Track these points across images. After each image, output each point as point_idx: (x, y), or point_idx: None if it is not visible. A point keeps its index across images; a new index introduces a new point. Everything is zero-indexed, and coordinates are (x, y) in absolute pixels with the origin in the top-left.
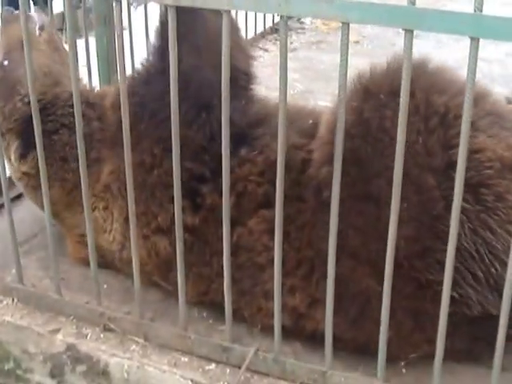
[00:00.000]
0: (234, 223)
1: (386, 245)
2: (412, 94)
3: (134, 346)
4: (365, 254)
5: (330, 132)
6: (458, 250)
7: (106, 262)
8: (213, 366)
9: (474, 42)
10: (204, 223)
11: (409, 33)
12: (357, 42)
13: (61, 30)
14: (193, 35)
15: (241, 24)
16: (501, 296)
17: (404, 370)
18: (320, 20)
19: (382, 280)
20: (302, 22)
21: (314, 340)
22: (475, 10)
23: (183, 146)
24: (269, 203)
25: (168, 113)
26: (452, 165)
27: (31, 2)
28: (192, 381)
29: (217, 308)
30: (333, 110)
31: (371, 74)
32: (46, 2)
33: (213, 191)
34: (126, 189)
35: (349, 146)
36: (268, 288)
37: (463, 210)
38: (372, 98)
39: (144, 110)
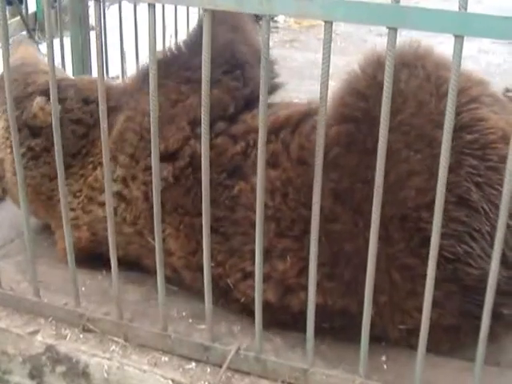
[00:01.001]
0: (238, 176)
1: (390, 201)
2: (423, 66)
3: (113, 347)
4: (367, 208)
5: (342, 95)
6: (466, 203)
7: None
8: (193, 365)
9: (459, 39)
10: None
11: (392, 31)
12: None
13: (34, 30)
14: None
15: None
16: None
17: (385, 366)
18: (293, 19)
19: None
20: (275, 21)
21: (295, 336)
22: (460, 8)
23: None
24: (276, 163)
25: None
26: (461, 127)
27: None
28: (173, 380)
29: (197, 307)
30: (344, 78)
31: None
32: (21, 1)
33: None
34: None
35: (363, 106)
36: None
37: (472, 165)
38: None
39: (176, 58)
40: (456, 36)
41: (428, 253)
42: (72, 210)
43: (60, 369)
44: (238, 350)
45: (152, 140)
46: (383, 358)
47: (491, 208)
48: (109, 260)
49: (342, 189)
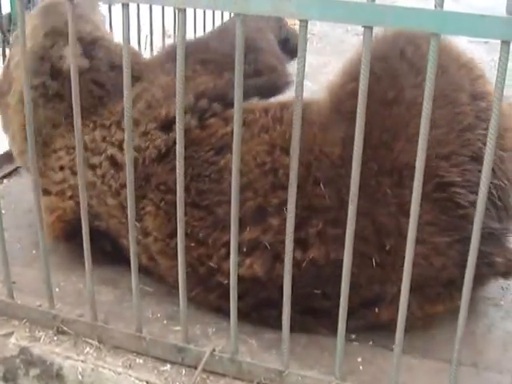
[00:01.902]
0: (225, 152)
1: (408, 149)
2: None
3: (87, 349)
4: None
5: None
6: (479, 159)
7: None
8: (168, 366)
9: (436, 37)
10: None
11: (368, 29)
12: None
13: (9, 31)
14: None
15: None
16: (501, 209)
17: (361, 367)
18: None
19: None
20: None
21: (270, 338)
22: (436, 6)
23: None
24: (268, 130)
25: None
26: (475, 96)
27: None
28: (147, 382)
29: (171, 308)
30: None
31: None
32: None
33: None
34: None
35: (383, 65)
36: (244, 212)
37: (484, 129)
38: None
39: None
40: (433, 34)
41: (439, 198)
42: (61, 168)
43: (34, 371)
44: (213, 352)
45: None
46: (359, 360)
47: (500, 166)
48: (95, 232)
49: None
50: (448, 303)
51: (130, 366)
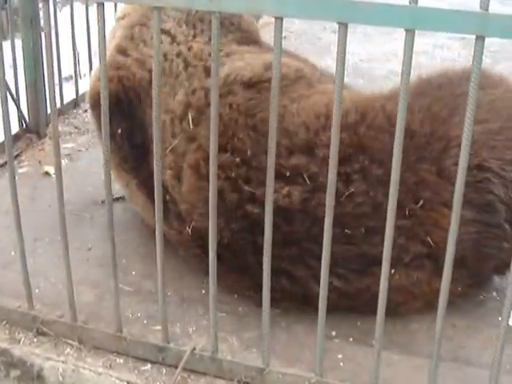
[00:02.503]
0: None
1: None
2: None
3: (68, 350)
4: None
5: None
6: None
7: None
8: (149, 366)
9: (410, 33)
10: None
11: (343, 26)
12: (284, 38)
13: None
14: None
15: None
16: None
17: (342, 364)
18: None
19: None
20: None
21: (251, 336)
22: (410, 2)
23: None
24: None
25: None
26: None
27: None
28: (128, 382)
29: (151, 307)
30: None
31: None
32: None
33: None
34: None
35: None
36: (294, 142)
37: None
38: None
39: None
40: (407, 30)
41: (476, 178)
42: None
43: (14, 373)
44: (194, 351)
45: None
46: (339, 356)
47: None
48: None
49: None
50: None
51: (110, 366)
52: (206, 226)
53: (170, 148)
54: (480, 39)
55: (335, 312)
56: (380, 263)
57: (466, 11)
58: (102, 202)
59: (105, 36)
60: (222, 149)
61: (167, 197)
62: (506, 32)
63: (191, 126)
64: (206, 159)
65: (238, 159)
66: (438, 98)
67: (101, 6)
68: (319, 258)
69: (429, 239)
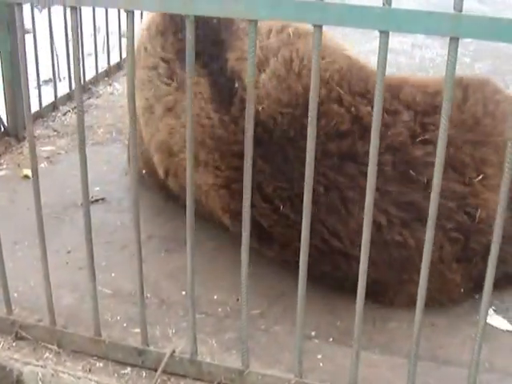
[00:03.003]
0: None
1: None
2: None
3: (47, 354)
4: None
5: None
6: None
7: None
8: (128, 369)
9: (384, 35)
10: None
11: (318, 28)
12: None
13: None
14: None
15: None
16: None
17: (321, 364)
18: None
19: None
20: None
21: (230, 338)
22: (384, 4)
23: None
24: None
25: None
26: None
27: None
28: None
29: (131, 310)
30: None
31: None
32: None
33: None
34: None
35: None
36: None
37: None
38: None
39: None
40: (381, 32)
41: None
42: None
43: None
44: (173, 353)
45: None
46: (319, 357)
47: None
48: None
49: None
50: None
51: (89, 370)
52: None
53: None
54: (454, 40)
55: (315, 312)
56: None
57: (439, 13)
58: (82, 204)
59: (78, 40)
60: None
61: None
62: (479, 33)
63: None
64: None
65: None
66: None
67: (74, 9)
68: None
69: (477, 213)
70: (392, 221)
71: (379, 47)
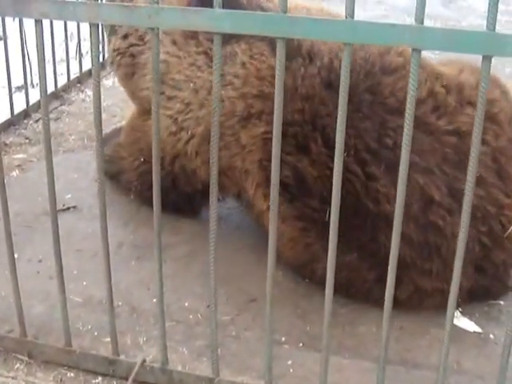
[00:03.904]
0: None
1: None
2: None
3: (18, 365)
4: None
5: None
6: None
7: None
8: (99, 379)
9: (348, 47)
10: None
11: (281, 41)
12: None
13: None
14: None
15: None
16: None
17: (291, 370)
18: None
19: None
20: None
21: (201, 346)
22: (346, 17)
23: None
24: None
25: None
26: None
27: None
28: None
29: (102, 319)
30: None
31: None
32: None
33: None
34: None
35: None
36: None
37: None
38: None
39: None
40: (345, 44)
41: None
42: None
43: None
44: (144, 362)
45: None
46: (289, 362)
47: None
48: None
49: None
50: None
51: (61, 380)
52: None
53: None
54: (416, 52)
55: (285, 317)
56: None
57: (402, 25)
58: None
59: (43, 51)
60: None
61: None
62: (440, 45)
63: None
64: None
65: None
66: None
67: (39, 22)
68: None
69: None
70: (441, 203)
71: (343, 60)
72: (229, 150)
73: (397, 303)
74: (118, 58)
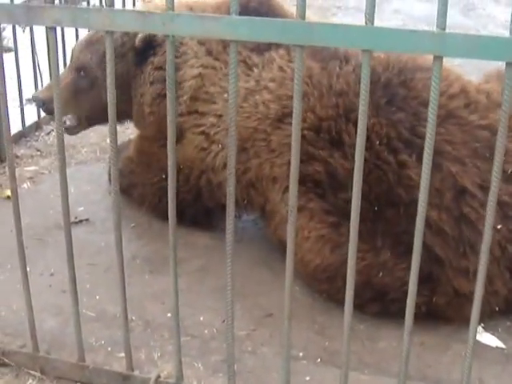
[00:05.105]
0: None
1: None
2: None
3: (30, 380)
4: None
5: None
6: None
7: None
8: None
9: (367, 54)
10: None
11: (299, 48)
12: None
13: None
14: None
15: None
16: None
17: None
18: None
19: None
20: None
21: (217, 361)
22: (366, 23)
23: None
24: None
25: None
26: None
27: None
28: None
29: (115, 334)
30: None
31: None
32: None
33: None
34: None
35: None
36: None
37: None
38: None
39: None
40: (364, 50)
41: None
42: None
43: None
44: (158, 378)
45: None
46: (307, 378)
47: None
48: None
49: None
50: None
51: None
52: None
53: None
54: (438, 59)
55: (302, 332)
56: None
57: (422, 31)
58: None
59: (57, 60)
60: None
61: None
62: (463, 52)
63: None
64: None
65: None
66: None
67: (52, 30)
68: None
69: None
70: (474, 194)
71: (363, 65)
72: (259, 157)
73: (435, 311)
74: (155, 72)
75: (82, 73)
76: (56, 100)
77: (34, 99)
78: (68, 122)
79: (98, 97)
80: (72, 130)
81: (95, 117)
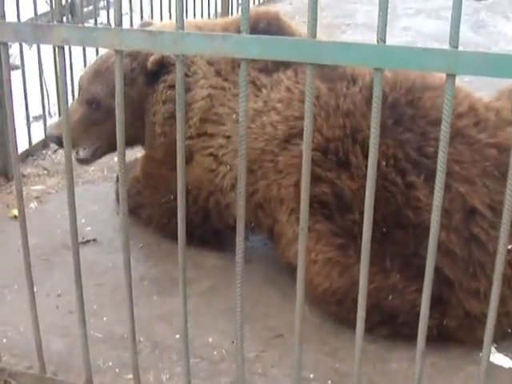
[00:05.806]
0: None
1: None
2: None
3: None
4: None
5: None
6: None
7: None
8: None
9: (379, 72)
10: None
11: (311, 66)
12: None
13: None
14: None
15: None
16: None
17: None
18: None
19: None
20: None
21: (226, 382)
22: (378, 41)
23: None
24: None
25: None
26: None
27: None
28: None
29: (123, 355)
30: None
31: None
32: None
33: None
34: None
35: None
36: None
37: None
38: None
39: None
40: (376, 69)
41: None
42: None
43: None
44: None
45: None
46: None
47: None
48: None
49: None
50: None
51: None
52: None
53: None
54: (451, 78)
55: (313, 354)
56: None
57: (434, 49)
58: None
59: (65, 78)
60: None
61: None
62: (474, 69)
63: None
64: None
65: None
66: None
67: (60, 49)
68: None
69: None
70: (483, 214)
71: (374, 84)
72: (266, 178)
73: (446, 332)
74: (168, 91)
75: (93, 105)
76: (64, 116)
77: (49, 138)
78: (81, 154)
79: (114, 127)
80: (85, 161)
81: (112, 148)
